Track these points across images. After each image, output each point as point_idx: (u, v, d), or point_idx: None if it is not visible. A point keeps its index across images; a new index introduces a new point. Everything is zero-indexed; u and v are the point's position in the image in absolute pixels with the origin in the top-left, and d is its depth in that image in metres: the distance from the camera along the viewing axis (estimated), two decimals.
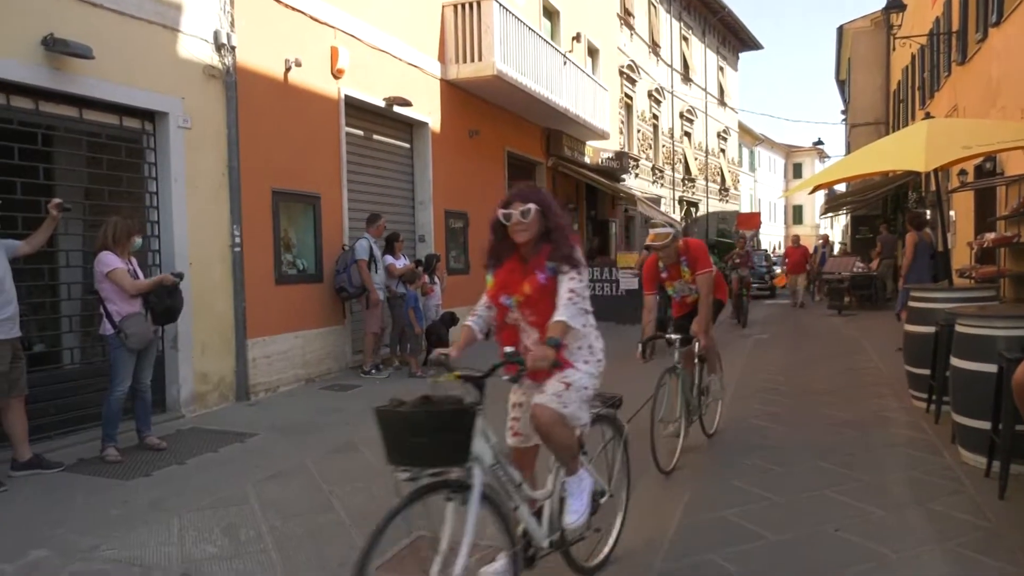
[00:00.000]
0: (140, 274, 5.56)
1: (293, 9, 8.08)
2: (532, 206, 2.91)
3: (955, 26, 12.76)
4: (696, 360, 5.31)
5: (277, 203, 7.84)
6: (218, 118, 7.10)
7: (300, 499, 4.52)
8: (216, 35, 7.06)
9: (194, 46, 6.85)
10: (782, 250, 37.90)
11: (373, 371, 8.46)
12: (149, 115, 6.54)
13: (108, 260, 5.28)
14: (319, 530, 4.05)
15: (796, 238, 19.54)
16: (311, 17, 8.37)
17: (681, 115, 26.98)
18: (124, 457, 5.31)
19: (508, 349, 2.85)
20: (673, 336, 5.03)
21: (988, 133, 6.53)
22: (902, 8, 14.48)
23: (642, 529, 4.00)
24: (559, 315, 2.80)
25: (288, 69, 7.99)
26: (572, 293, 2.87)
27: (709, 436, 5.53)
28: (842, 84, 30.38)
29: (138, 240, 5.58)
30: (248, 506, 4.42)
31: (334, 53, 8.70)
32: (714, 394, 5.70)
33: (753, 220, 33.25)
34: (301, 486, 4.76)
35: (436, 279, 9.44)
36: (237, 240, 7.20)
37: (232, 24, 7.25)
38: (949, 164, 7.50)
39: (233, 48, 7.23)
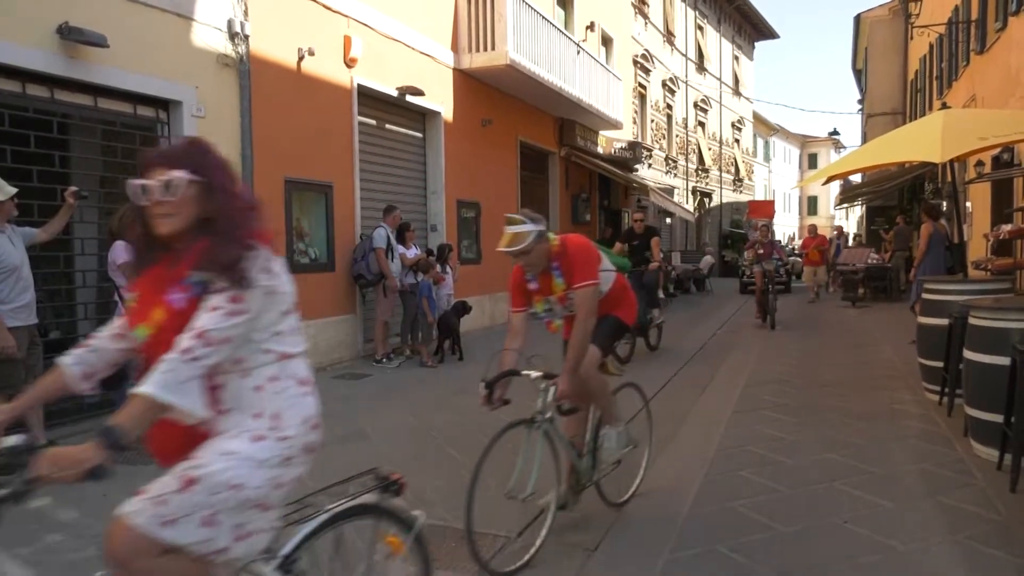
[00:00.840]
0: None
1: None
2: (181, 175, 1.83)
3: (974, 15, 12.59)
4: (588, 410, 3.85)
5: (290, 192, 7.88)
6: (231, 107, 7.13)
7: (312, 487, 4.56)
8: (230, 24, 7.08)
9: (208, 35, 6.87)
10: (798, 241, 37.57)
11: (385, 360, 8.51)
12: (163, 103, 6.58)
13: (120, 251, 5.32)
14: None
15: (813, 228, 18.63)
16: (324, 6, 8.37)
17: (695, 105, 26.80)
18: (138, 445, 5.36)
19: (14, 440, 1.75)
20: (535, 374, 3.40)
21: (1005, 124, 6.45)
22: None
23: (650, 516, 4.01)
24: (145, 383, 1.71)
25: (301, 58, 8.00)
26: (199, 338, 1.72)
27: (613, 505, 4.05)
28: (859, 73, 30.05)
29: None
30: None
31: (347, 42, 8.71)
32: (618, 452, 3.93)
33: (766, 208, 31.62)
34: (309, 475, 4.79)
35: (448, 269, 9.47)
36: None
37: (246, 13, 7.26)
38: (965, 155, 7.43)
39: (247, 37, 7.25)
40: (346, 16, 8.73)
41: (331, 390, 7.42)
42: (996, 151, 10.10)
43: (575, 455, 3.71)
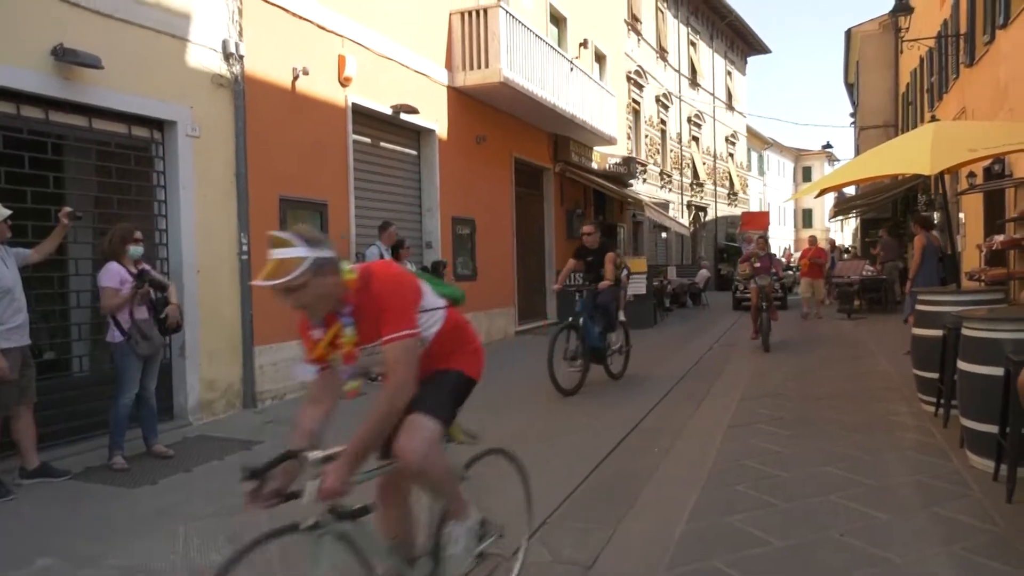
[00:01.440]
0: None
1: (301, 18, 8.15)
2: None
3: (963, 28, 12.71)
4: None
5: (285, 210, 7.89)
6: (226, 126, 7.16)
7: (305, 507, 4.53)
8: (224, 44, 7.13)
9: (203, 55, 6.91)
10: (796, 253, 37.51)
11: (379, 379, 8.46)
12: (158, 124, 6.60)
13: (105, 274, 5.32)
14: None
15: (813, 239, 17.19)
16: (318, 26, 8.43)
17: (689, 120, 26.96)
18: (131, 465, 5.34)
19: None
20: (319, 454, 2.35)
21: (994, 135, 6.50)
22: (909, 11, 14.42)
23: (646, 534, 4.00)
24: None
25: (296, 77, 8.05)
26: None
27: None
28: (851, 87, 30.29)
29: (134, 248, 5.42)
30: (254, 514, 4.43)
31: (341, 61, 8.77)
32: (474, 550, 2.86)
33: (760, 220, 30.58)
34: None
35: None
36: (245, 248, 7.25)
37: (240, 33, 7.32)
38: (955, 167, 7.48)
39: (241, 57, 7.29)
40: (340, 36, 8.79)
41: None
42: (987, 162, 10.17)
43: (401, 563, 2.68)
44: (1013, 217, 9.64)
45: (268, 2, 7.69)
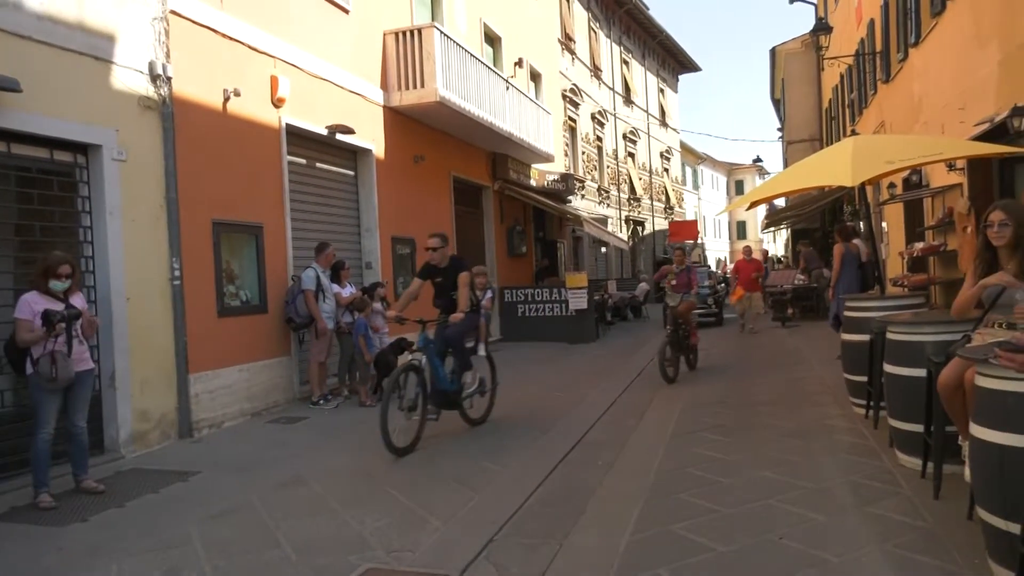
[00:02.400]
0: (79, 310, 5.36)
1: (231, 39, 8.03)
2: None
3: (878, 47, 13.34)
4: None
5: (218, 234, 7.72)
6: (154, 150, 6.98)
7: (245, 537, 4.41)
8: (151, 66, 6.96)
9: (128, 77, 6.74)
10: (731, 265, 38.29)
11: (321, 401, 8.34)
12: (82, 148, 6.39)
13: (19, 306, 5.11)
14: (265, 567, 3.96)
15: (748, 249, 16.23)
16: (249, 47, 8.31)
17: (624, 136, 27.48)
18: (59, 503, 5.10)
19: None
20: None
21: (910, 148, 6.83)
22: (829, 30, 15.08)
23: (593, 547, 4.02)
24: None
25: (227, 99, 7.91)
26: None
27: None
28: (777, 103, 31.39)
29: (55, 283, 5.17)
30: (191, 547, 4.29)
31: (274, 82, 8.66)
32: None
33: (689, 229, 28.65)
34: (246, 524, 4.64)
35: (382, 305, 9.38)
36: (177, 273, 7.05)
37: (167, 55, 7.16)
38: (876, 178, 7.81)
39: (169, 79, 7.13)
40: (272, 56, 8.69)
41: (267, 435, 7.23)
42: (906, 174, 10.66)
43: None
44: (931, 225, 10.11)
45: (196, 23, 7.55)
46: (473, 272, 7.19)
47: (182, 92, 7.30)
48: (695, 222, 32.07)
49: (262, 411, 8.06)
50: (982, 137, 7.43)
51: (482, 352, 7.38)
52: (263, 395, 8.14)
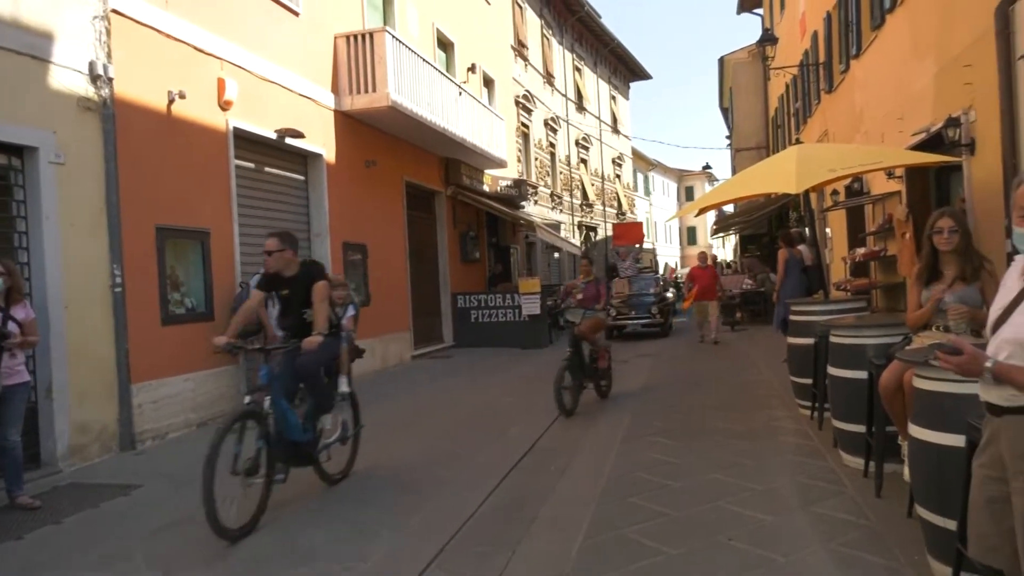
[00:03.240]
0: (19, 321, 5.14)
1: (176, 39, 7.84)
2: None
3: (822, 58, 13.72)
4: None
5: (163, 239, 7.52)
6: (95, 152, 6.77)
7: (190, 551, 4.29)
8: (92, 66, 6.74)
9: (67, 78, 6.52)
10: (684, 270, 38.73)
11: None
12: (16, 150, 6.15)
13: None
14: None
15: (703, 256, 15.04)
16: (196, 48, 8.13)
17: (577, 143, 27.70)
18: None
19: None
20: None
21: (852, 156, 7.04)
22: (775, 41, 15.46)
23: (545, 553, 4.02)
24: None
25: (172, 101, 7.72)
26: None
27: None
28: (726, 111, 32.02)
29: None
30: (132, 563, 4.16)
31: (221, 84, 8.48)
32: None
33: (633, 232, 26.50)
34: (191, 538, 4.50)
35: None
36: (118, 280, 6.84)
37: (109, 55, 6.95)
38: (819, 185, 8.02)
39: (110, 80, 6.92)
40: (219, 58, 8.51)
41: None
42: (848, 181, 10.96)
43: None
44: (872, 231, 10.42)
45: (139, 23, 7.35)
46: (331, 281, 5.60)
47: (124, 93, 7.10)
48: (641, 224, 28.57)
49: (208, 421, 7.86)
50: (919, 146, 7.69)
51: (344, 388, 5.80)
52: (209, 404, 7.95)
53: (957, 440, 3.05)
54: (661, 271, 34.15)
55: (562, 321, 7.79)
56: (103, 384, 6.67)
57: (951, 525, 3.07)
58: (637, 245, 20.30)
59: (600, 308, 8.19)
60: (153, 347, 7.21)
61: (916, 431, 3.32)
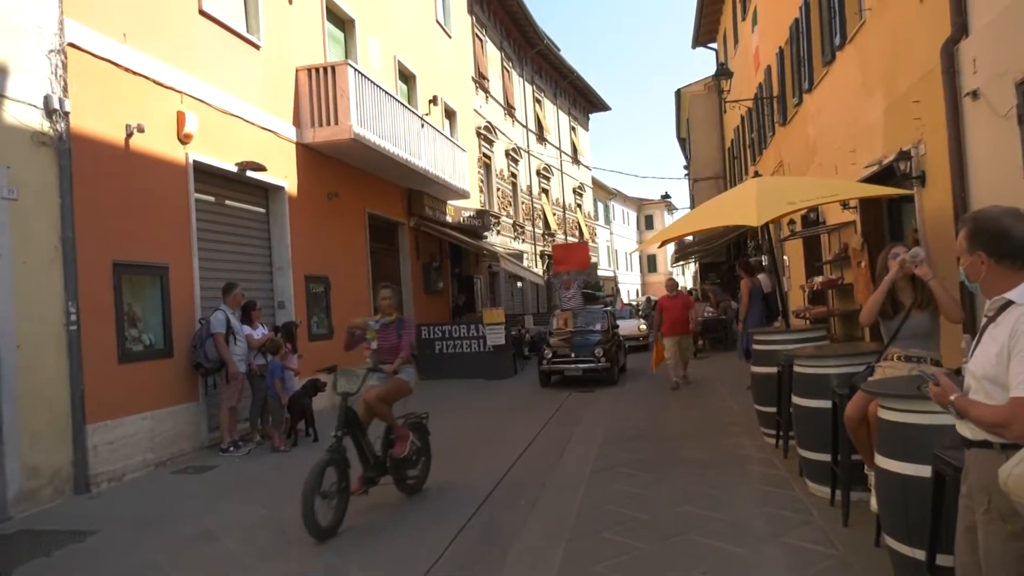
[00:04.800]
0: None
1: (134, 73, 7.74)
2: None
3: (775, 91, 14.12)
4: None
5: (119, 275, 7.34)
6: (50, 188, 6.60)
7: None
8: (47, 100, 6.61)
9: (20, 112, 6.38)
10: (643, 298, 38.87)
11: (232, 448, 7.97)
12: None
13: None
14: None
15: (672, 283, 12.69)
16: (154, 81, 8.04)
17: (538, 173, 27.96)
18: None
19: None
20: None
21: (809, 189, 7.23)
22: (730, 75, 15.88)
23: None
24: None
25: (130, 135, 7.60)
26: None
27: None
28: (683, 142, 32.67)
29: None
30: None
31: (181, 118, 8.38)
32: None
33: (577, 255, 22.71)
34: None
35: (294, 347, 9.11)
36: (73, 317, 6.64)
37: (65, 89, 6.82)
38: (777, 217, 8.20)
39: (67, 114, 6.79)
40: (179, 91, 8.41)
41: (173, 487, 6.84)
42: (804, 211, 11.23)
43: None
44: (828, 260, 10.66)
45: (97, 56, 7.25)
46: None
47: (81, 127, 6.97)
48: (586, 246, 24.58)
49: (167, 461, 7.64)
50: (872, 178, 7.93)
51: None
52: (168, 444, 7.73)
53: (924, 471, 3.09)
54: (629, 300, 34.22)
55: (336, 388, 5.55)
56: (56, 425, 6.44)
57: (919, 555, 3.11)
58: (581, 271, 16.26)
59: (396, 366, 5.84)
60: (109, 385, 7.01)
61: (882, 461, 3.37)
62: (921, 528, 3.07)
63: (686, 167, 31.58)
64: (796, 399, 5.23)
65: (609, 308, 18.52)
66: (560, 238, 30.38)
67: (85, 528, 5.54)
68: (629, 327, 19.35)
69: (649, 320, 18.29)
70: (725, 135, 23.97)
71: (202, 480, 7.07)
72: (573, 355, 12.87)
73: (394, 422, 5.86)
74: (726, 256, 23.40)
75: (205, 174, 8.94)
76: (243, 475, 7.14)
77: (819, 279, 10.65)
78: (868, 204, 8.81)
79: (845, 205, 9.04)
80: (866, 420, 4.00)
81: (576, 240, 32.94)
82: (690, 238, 23.51)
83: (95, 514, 5.95)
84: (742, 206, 6.77)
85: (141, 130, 7.66)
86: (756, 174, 15.13)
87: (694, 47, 24.86)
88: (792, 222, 12.65)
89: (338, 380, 5.58)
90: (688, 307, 12.20)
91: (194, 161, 8.60)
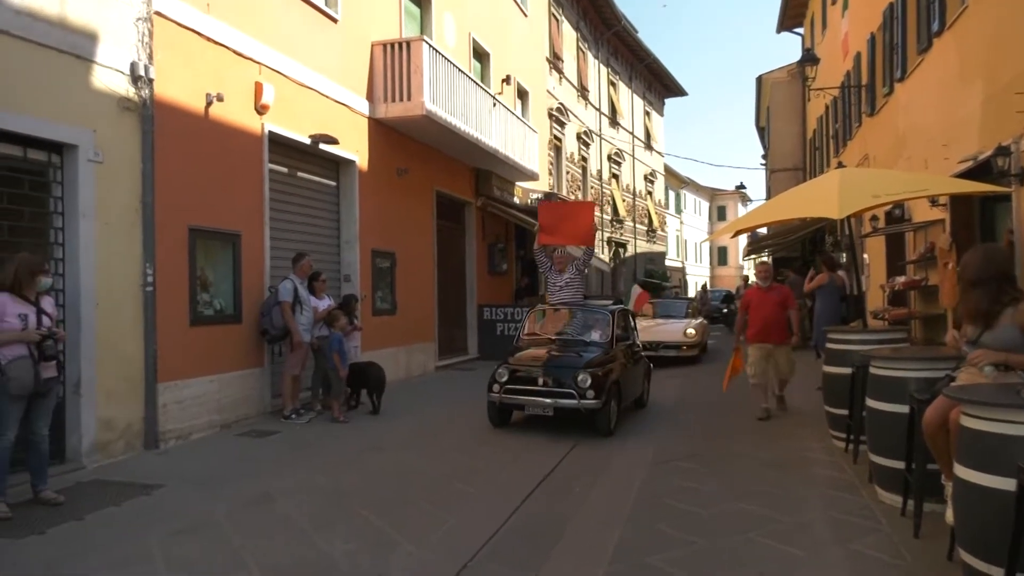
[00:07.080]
0: (50, 315, 5.20)
1: (216, 43, 7.90)
2: None
3: (864, 80, 13.49)
4: None
5: (194, 241, 7.55)
6: (133, 152, 6.82)
7: (209, 556, 4.25)
8: (133, 67, 6.81)
9: (109, 77, 6.59)
10: (715, 292, 37.91)
11: (293, 416, 8.15)
12: (56, 147, 6.21)
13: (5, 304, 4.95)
14: None
15: (765, 268, 9.15)
16: (235, 52, 8.19)
17: (609, 157, 27.60)
18: (15, 514, 4.89)
19: None
20: None
21: (896, 182, 6.85)
22: (816, 62, 15.25)
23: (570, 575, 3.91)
24: None
25: (209, 103, 7.77)
26: None
27: None
28: (762, 131, 31.71)
29: (45, 280, 5.19)
30: (151, 565, 4.12)
31: (258, 89, 8.53)
32: None
33: (574, 221, 11.61)
34: (211, 542, 4.47)
35: (355, 321, 9.23)
36: (150, 279, 6.87)
37: (151, 56, 7.02)
38: (860, 211, 7.83)
39: (151, 81, 6.99)
40: (257, 63, 8.57)
41: (236, 449, 7.04)
42: (889, 207, 10.73)
43: None
44: (913, 260, 10.16)
45: (181, 25, 7.43)
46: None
47: (164, 95, 7.16)
48: (589, 208, 13.45)
49: (232, 423, 7.86)
50: (965, 174, 7.48)
51: None
52: (233, 407, 7.95)
53: (1006, 483, 2.91)
54: (694, 292, 32.92)
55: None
56: (130, 382, 6.69)
57: (996, 572, 2.92)
58: (582, 248, 11.22)
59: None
60: (181, 347, 7.23)
61: (962, 471, 3.18)
62: (1000, 543, 2.89)
63: (764, 157, 30.67)
64: (870, 402, 4.98)
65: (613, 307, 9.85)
66: (628, 225, 29.95)
67: (152, 482, 5.75)
68: (672, 331, 15.12)
69: (715, 315, 15.83)
70: (807, 125, 23.13)
71: (264, 444, 7.24)
72: (542, 381, 7.62)
73: None
74: (800, 251, 22.64)
75: (279, 145, 9.10)
76: (303, 442, 7.28)
77: (901, 279, 10.17)
78: (959, 202, 8.32)
79: (934, 202, 8.58)
80: (945, 427, 3.76)
81: (644, 227, 32.29)
82: (764, 230, 22.85)
83: (162, 469, 6.17)
84: (823, 197, 6.47)
85: (220, 99, 7.83)
86: (840, 166, 14.52)
87: (779, 31, 24.03)
88: (875, 218, 12.12)
89: None
90: (787, 305, 8.43)
91: (269, 132, 8.75)
